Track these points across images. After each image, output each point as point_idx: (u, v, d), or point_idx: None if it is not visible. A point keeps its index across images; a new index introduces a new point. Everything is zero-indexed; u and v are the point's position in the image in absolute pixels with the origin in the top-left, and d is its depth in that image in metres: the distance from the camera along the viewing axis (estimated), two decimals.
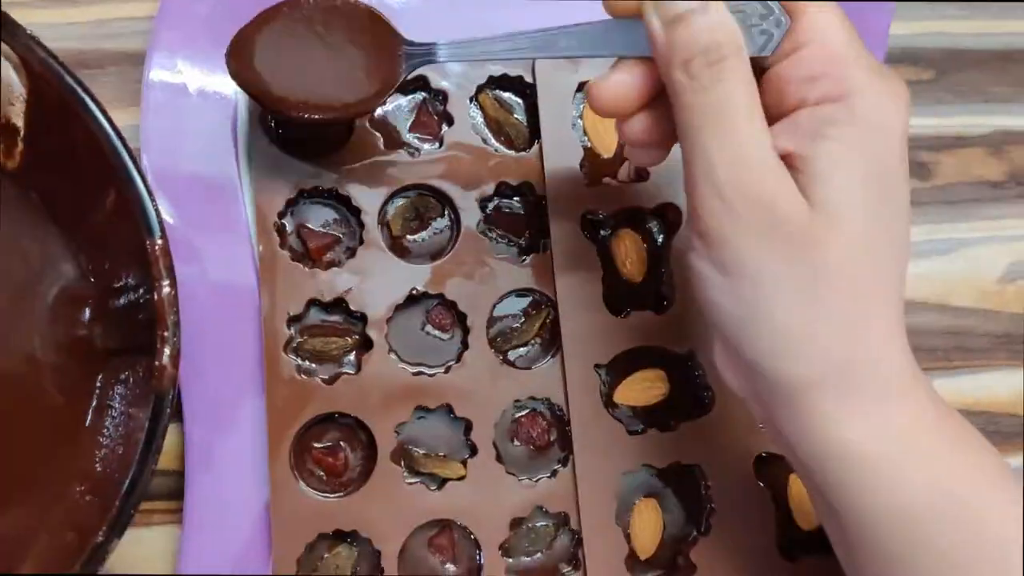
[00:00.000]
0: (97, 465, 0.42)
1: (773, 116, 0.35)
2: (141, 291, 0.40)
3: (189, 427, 0.47)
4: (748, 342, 0.35)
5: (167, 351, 0.38)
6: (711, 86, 0.34)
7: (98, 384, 0.44)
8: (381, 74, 0.43)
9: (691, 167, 0.35)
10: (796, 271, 0.34)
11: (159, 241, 0.38)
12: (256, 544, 0.46)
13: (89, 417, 0.44)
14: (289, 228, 0.49)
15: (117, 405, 0.43)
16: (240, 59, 0.42)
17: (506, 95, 0.51)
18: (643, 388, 0.49)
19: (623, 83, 0.38)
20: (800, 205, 0.34)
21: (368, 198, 0.48)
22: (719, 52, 0.34)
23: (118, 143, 0.40)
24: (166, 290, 0.37)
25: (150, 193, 0.39)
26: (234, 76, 0.43)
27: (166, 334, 0.38)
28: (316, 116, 0.42)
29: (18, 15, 0.45)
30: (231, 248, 0.48)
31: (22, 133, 0.43)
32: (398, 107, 0.50)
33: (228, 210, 0.48)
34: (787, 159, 0.35)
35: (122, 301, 0.42)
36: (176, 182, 0.48)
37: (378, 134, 0.49)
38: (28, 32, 0.40)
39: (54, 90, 0.40)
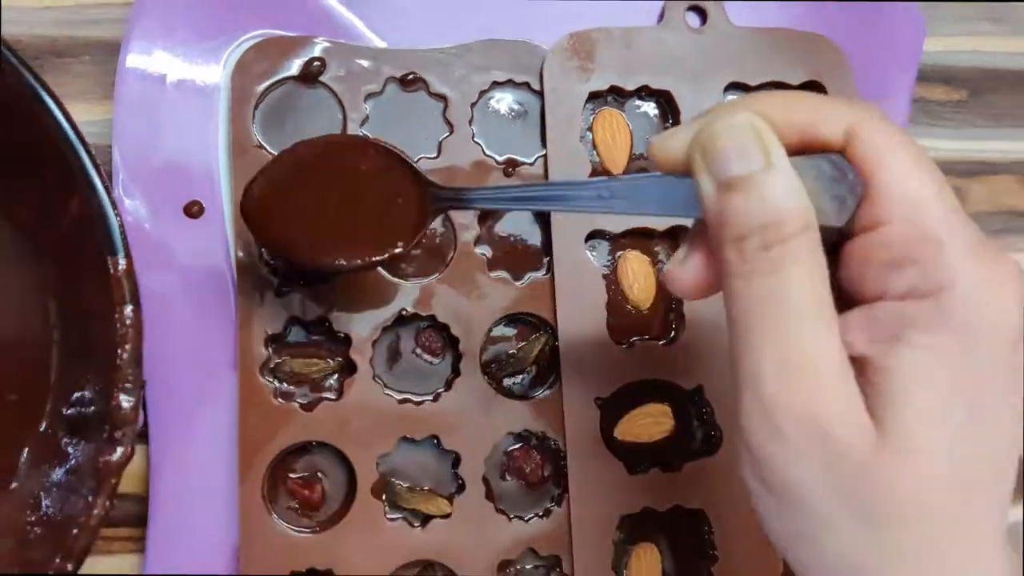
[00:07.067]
0: (46, 499, 0.39)
1: (849, 299, 0.30)
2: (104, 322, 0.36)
3: (155, 450, 0.43)
4: (799, 563, 0.29)
5: (126, 397, 0.34)
6: (767, 274, 0.28)
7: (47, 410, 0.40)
8: (409, 220, 0.38)
9: (737, 368, 0.28)
10: (852, 507, 0.28)
11: (122, 262, 0.34)
12: None
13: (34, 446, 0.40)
14: None
15: (69, 442, 0.40)
16: (258, 212, 0.38)
17: (510, 100, 0.47)
18: (646, 424, 0.46)
19: (701, 269, 0.31)
20: (864, 433, 0.27)
21: None
22: (780, 232, 0.27)
23: (81, 149, 0.36)
24: (128, 319, 0.34)
25: (114, 205, 0.36)
26: (256, 232, 0.38)
27: (127, 375, 0.34)
28: (343, 265, 0.38)
29: None
30: (208, 254, 0.44)
31: None
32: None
33: (205, 211, 0.44)
34: (859, 364, 0.28)
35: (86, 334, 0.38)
36: (150, 180, 0.44)
37: None
38: None
39: (12, 87, 0.36)
